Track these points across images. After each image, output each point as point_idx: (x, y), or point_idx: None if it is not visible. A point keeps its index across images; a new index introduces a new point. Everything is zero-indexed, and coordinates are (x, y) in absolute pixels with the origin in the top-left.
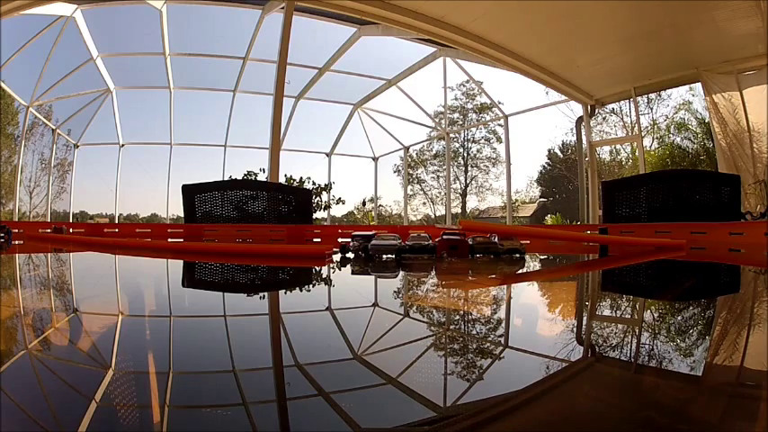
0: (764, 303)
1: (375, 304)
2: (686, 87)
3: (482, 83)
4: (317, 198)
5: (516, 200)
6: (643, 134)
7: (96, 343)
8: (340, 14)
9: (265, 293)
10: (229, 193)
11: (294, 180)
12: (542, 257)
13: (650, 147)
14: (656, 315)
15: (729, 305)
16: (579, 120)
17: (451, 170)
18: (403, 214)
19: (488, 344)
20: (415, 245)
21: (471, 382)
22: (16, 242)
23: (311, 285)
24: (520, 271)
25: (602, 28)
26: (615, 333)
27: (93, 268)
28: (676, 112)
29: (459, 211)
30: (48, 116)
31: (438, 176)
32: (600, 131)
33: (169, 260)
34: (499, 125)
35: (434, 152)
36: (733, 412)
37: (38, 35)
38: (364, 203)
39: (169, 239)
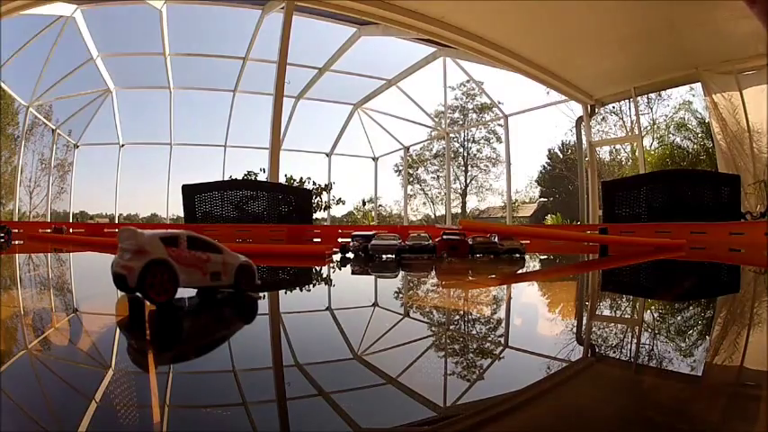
0: (764, 303)
1: (375, 304)
2: (686, 87)
3: (482, 83)
4: (317, 198)
5: (516, 200)
6: (643, 134)
7: (96, 343)
8: (340, 14)
9: (265, 293)
10: (229, 193)
11: (294, 180)
12: (542, 257)
13: (650, 147)
14: (656, 315)
15: (729, 305)
16: (579, 120)
17: (451, 170)
18: (403, 214)
19: (488, 344)
20: (415, 245)
21: (471, 382)
22: (16, 242)
23: (311, 285)
24: (520, 271)
25: (602, 28)
26: (615, 333)
27: (92, 268)
28: (676, 112)
29: (459, 211)
30: (48, 116)
31: (438, 176)
32: (600, 131)
33: None
34: (499, 125)
35: (434, 152)
36: (733, 412)
37: (38, 35)
38: (364, 203)
39: None
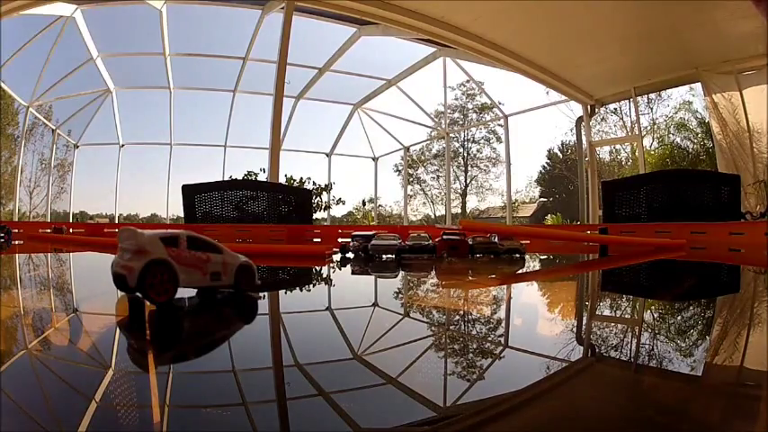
0: (764, 303)
1: (375, 304)
2: (686, 87)
3: (483, 83)
4: (317, 198)
5: (516, 200)
6: (643, 134)
7: (96, 343)
8: (340, 14)
9: (265, 293)
10: (229, 193)
11: (294, 180)
12: (542, 257)
13: (650, 147)
14: (656, 315)
15: (729, 305)
16: (579, 120)
17: (451, 170)
18: (403, 214)
19: (488, 344)
20: (415, 245)
21: (471, 382)
22: (16, 242)
23: (311, 285)
24: (520, 271)
25: (602, 28)
26: (615, 333)
27: (92, 268)
28: (676, 112)
29: (459, 211)
30: (48, 116)
31: (438, 176)
32: (600, 131)
33: None
34: (499, 125)
35: (434, 152)
36: (733, 412)
37: (38, 35)
38: (364, 204)
39: None
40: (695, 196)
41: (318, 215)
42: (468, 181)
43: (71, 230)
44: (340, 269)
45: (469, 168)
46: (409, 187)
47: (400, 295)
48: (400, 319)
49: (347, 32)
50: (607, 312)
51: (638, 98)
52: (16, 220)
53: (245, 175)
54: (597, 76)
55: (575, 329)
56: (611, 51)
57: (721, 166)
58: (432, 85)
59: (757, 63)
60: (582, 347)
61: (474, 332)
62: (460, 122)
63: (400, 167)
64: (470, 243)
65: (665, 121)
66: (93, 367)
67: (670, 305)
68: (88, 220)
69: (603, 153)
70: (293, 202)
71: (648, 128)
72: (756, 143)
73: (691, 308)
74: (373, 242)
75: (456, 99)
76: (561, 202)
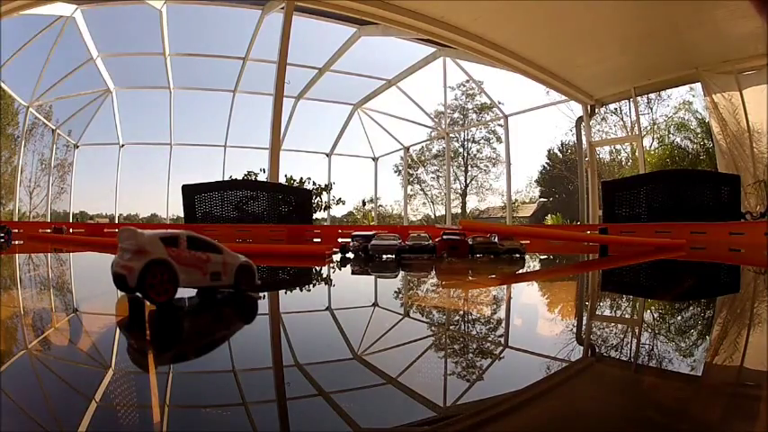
0: (764, 303)
1: (375, 304)
2: (686, 87)
3: (482, 83)
4: (317, 198)
5: (516, 200)
6: (643, 134)
7: (96, 343)
8: (340, 14)
9: (265, 293)
10: (229, 193)
11: (294, 180)
12: (542, 257)
13: (650, 147)
14: (656, 315)
15: (729, 305)
16: (579, 120)
17: (451, 170)
18: (403, 214)
19: (488, 344)
20: (415, 245)
21: (471, 383)
22: (16, 242)
23: (311, 285)
24: (520, 271)
25: (602, 28)
26: (615, 333)
27: (92, 268)
28: (676, 113)
29: (459, 211)
30: (48, 116)
31: (438, 176)
32: (600, 131)
33: None
34: (499, 125)
35: (434, 152)
36: (733, 412)
37: (38, 35)
38: (364, 204)
39: None
40: (695, 196)
41: (318, 215)
42: (468, 181)
43: (71, 230)
44: (340, 269)
45: (469, 168)
46: (409, 187)
47: (400, 295)
48: (400, 320)
49: (347, 32)
50: (607, 312)
51: (638, 98)
52: (16, 220)
53: (245, 175)
54: (597, 76)
55: (575, 330)
56: (611, 51)
57: (721, 166)
58: (432, 85)
59: (757, 63)
60: (582, 347)
61: (474, 332)
62: (460, 122)
63: (400, 167)
64: (470, 243)
65: (665, 121)
66: (93, 367)
67: (670, 305)
68: (88, 220)
69: (603, 153)
70: (293, 202)
71: (648, 128)
72: (756, 143)
73: (691, 308)
74: (373, 242)
75: (456, 99)
76: (561, 202)
